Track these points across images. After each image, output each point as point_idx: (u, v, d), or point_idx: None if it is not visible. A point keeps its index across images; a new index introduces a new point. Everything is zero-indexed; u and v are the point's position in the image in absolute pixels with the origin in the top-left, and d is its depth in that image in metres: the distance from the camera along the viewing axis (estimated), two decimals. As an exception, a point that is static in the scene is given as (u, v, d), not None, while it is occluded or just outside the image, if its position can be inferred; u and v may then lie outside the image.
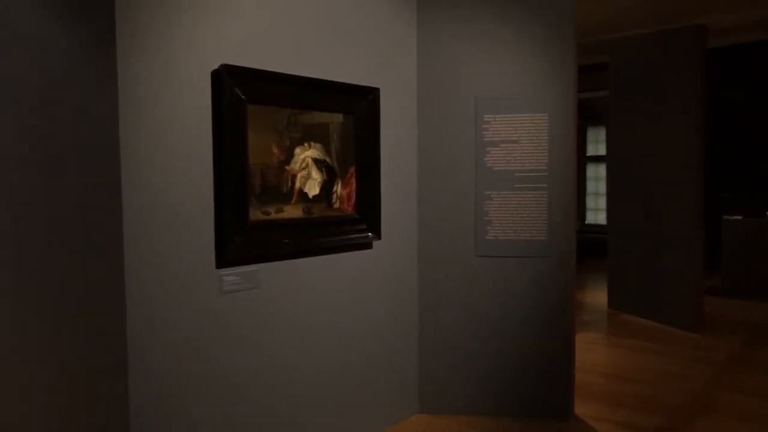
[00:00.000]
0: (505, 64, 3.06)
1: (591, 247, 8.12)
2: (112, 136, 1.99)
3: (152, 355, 2.10)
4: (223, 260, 2.27)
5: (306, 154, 2.53)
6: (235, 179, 2.27)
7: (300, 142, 2.50)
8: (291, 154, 2.48)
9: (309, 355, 2.63)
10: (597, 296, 6.13)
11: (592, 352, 4.32)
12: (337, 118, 2.66)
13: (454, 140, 3.10)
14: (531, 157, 3.04)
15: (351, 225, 2.74)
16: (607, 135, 5.80)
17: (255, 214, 2.35)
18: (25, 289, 1.99)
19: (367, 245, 2.86)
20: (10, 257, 1.97)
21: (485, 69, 3.06)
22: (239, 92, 2.26)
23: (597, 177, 9.27)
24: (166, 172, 2.12)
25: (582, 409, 3.25)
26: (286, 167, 2.46)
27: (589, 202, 9.40)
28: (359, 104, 2.74)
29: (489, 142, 3.07)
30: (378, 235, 2.85)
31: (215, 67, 2.22)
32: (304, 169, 2.53)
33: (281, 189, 2.45)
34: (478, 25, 3.06)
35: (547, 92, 3.03)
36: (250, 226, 2.33)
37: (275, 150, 2.42)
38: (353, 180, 2.74)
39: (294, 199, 2.50)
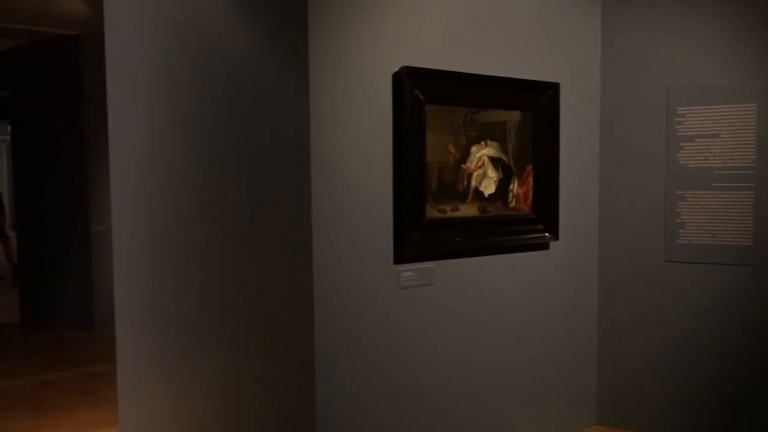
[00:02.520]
0: (702, 49, 2.77)
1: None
2: (305, 142, 2.15)
3: (335, 347, 2.23)
4: (401, 257, 2.34)
5: (482, 152, 2.52)
6: (413, 178, 2.32)
7: (476, 141, 2.50)
8: (467, 152, 2.48)
9: (481, 354, 2.61)
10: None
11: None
12: (515, 115, 2.61)
13: (642, 136, 2.87)
14: (734, 153, 2.72)
15: (527, 225, 2.68)
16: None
17: (431, 212, 2.39)
18: (225, 287, 2.20)
19: (544, 246, 2.77)
20: (214, 257, 2.20)
21: (679, 56, 2.80)
22: (418, 93, 2.31)
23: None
24: (350, 171, 2.24)
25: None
26: (463, 166, 2.47)
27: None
28: (537, 100, 2.66)
29: (683, 137, 2.80)
30: (555, 235, 2.74)
31: (396, 69, 2.29)
32: (480, 167, 2.51)
33: (457, 187, 2.46)
34: (670, 8, 2.80)
35: (755, 80, 2.68)
36: (427, 224, 2.37)
37: (452, 149, 2.44)
38: (530, 178, 2.66)
39: (470, 197, 2.50)
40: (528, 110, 2.64)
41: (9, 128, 8.13)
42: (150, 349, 2.39)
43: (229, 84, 2.27)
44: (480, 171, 2.52)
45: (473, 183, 2.50)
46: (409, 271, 2.37)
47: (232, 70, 2.25)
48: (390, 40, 2.30)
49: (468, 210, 2.50)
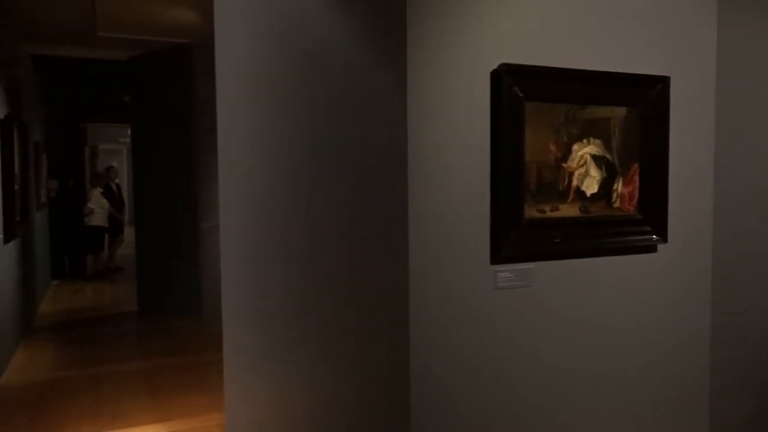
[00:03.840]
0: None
1: None
2: (402, 142, 2.17)
3: (430, 346, 2.24)
4: (498, 257, 2.31)
5: (584, 150, 2.43)
6: (512, 177, 2.28)
7: (578, 139, 2.41)
8: (568, 151, 2.40)
9: (579, 360, 2.52)
10: None
11: None
12: (620, 111, 2.49)
13: (766, 135, 2.66)
14: None
15: (632, 226, 2.55)
16: None
17: (530, 212, 2.34)
18: (324, 286, 2.26)
19: (650, 249, 2.63)
20: (314, 256, 2.27)
21: (809, 45, 2.56)
22: (517, 90, 2.27)
23: None
24: (447, 171, 2.23)
25: None
26: (563, 165, 2.39)
27: None
28: (645, 95, 2.53)
29: (812, 132, 2.56)
30: (664, 237, 2.59)
31: (494, 67, 2.26)
32: (582, 166, 2.43)
33: (557, 187, 2.39)
34: (800, -6, 2.57)
35: None
36: (525, 224, 2.33)
37: (552, 147, 2.37)
38: (636, 177, 2.54)
39: (570, 197, 2.42)
40: (635, 105, 2.51)
41: (129, 131, 8.80)
42: (254, 341, 2.50)
43: (329, 88, 2.34)
44: (582, 170, 2.43)
45: (574, 182, 2.42)
46: (506, 272, 2.33)
47: (333, 75, 2.32)
48: (488, 38, 2.27)
49: (569, 210, 2.42)
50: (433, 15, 2.17)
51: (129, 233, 9.22)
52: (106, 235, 8.99)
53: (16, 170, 5.28)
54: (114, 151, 16.56)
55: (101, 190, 8.77)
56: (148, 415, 3.84)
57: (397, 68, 2.16)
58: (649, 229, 2.58)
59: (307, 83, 2.37)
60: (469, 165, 2.26)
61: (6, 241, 4.89)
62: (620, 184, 2.51)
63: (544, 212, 2.37)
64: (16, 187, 5.24)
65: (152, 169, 6.75)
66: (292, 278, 2.41)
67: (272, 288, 2.44)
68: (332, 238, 2.37)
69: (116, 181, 9.97)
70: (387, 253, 2.26)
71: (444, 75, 2.21)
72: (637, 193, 2.55)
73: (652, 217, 2.58)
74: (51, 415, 3.84)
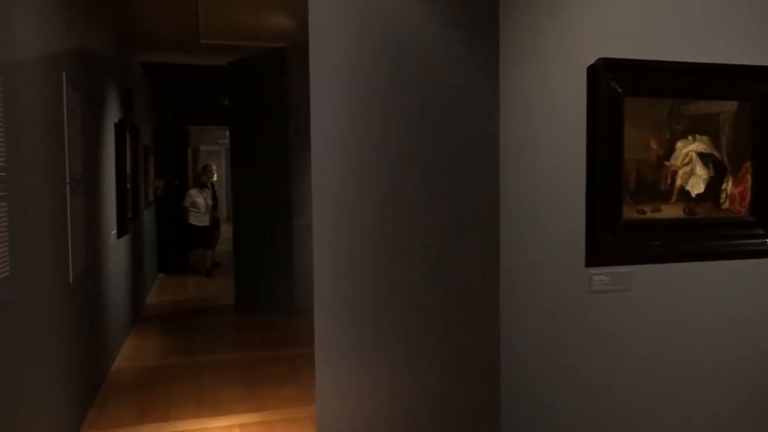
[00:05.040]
0: None
1: None
2: (493, 140, 2.14)
3: (521, 348, 2.19)
4: (593, 259, 2.23)
5: (689, 148, 2.29)
6: (609, 176, 2.19)
7: (683, 135, 2.28)
8: (672, 148, 2.27)
9: (679, 370, 2.38)
10: None
11: None
12: (730, 106, 2.33)
13: None
14: None
15: (743, 229, 2.38)
16: None
17: (629, 213, 2.24)
18: (416, 285, 2.27)
19: (764, 253, 2.44)
20: (405, 254, 2.28)
21: None
22: (616, 86, 2.18)
23: None
24: (540, 168, 2.18)
25: None
26: (666, 163, 2.27)
27: None
28: (759, 88, 2.35)
29: None
30: (779, 241, 2.40)
31: (591, 61, 2.18)
32: (686, 164, 2.29)
33: (659, 186, 2.27)
34: None
35: None
36: (623, 225, 2.23)
37: (653, 144, 2.25)
38: (748, 177, 2.37)
39: (674, 197, 2.29)
40: (747, 99, 2.34)
41: (228, 133, 9.22)
42: (345, 337, 2.55)
43: (421, 87, 2.34)
44: (686, 168, 2.30)
45: (678, 182, 2.29)
46: (602, 275, 2.24)
47: (425, 74, 2.32)
48: (584, 32, 2.19)
49: (671, 211, 2.29)
50: (526, 9, 2.13)
51: (227, 230, 9.65)
52: (204, 234, 9.17)
53: (128, 170, 5.68)
54: (213, 152, 17.45)
55: (199, 190, 9.08)
56: (244, 404, 4.02)
57: (490, 65, 2.13)
58: (762, 232, 2.40)
59: (398, 83, 2.39)
60: (564, 163, 2.19)
61: (119, 236, 5.28)
62: (730, 183, 2.35)
63: (644, 213, 2.26)
64: (128, 186, 5.64)
65: (249, 168, 7.04)
66: (383, 276, 2.45)
67: (364, 285, 2.48)
68: (423, 236, 2.38)
69: (212, 179, 10.45)
70: (478, 252, 2.24)
71: (538, 71, 2.15)
72: (749, 194, 2.37)
73: (766, 219, 2.39)
74: (157, 400, 4.11)
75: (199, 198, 8.92)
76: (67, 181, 3.34)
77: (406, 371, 2.47)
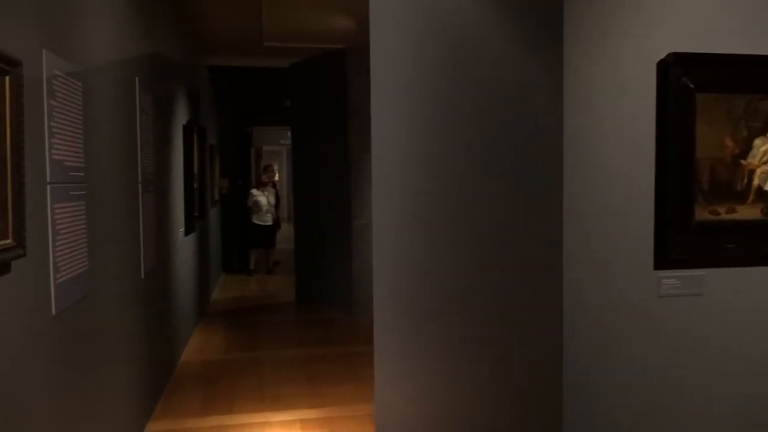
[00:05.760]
0: None
1: None
2: (557, 139, 2.10)
3: (585, 352, 2.14)
4: (662, 262, 2.15)
5: (768, 145, 2.18)
6: (680, 175, 2.11)
7: (761, 132, 2.17)
8: (748, 146, 2.16)
9: (753, 379, 2.26)
10: None
11: None
12: (814, 100, 2.20)
13: None
14: None
15: (828, 231, 2.24)
16: None
17: (701, 213, 2.14)
18: (477, 285, 2.25)
19: None
20: (466, 254, 2.27)
21: None
22: (687, 81, 2.09)
23: None
24: (607, 167, 2.12)
25: None
26: (742, 162, 2.16)
27: None
28: None
29: None
30: None
31: (662, 56, 2.10)
32: (765, 163, 2.18)
33: (734, 186, 2.16)
34: None
35: None
36: (695, 227, 2.14)
37: (729, 142, 2.15)
38: (834, 176, 2.22)
39: (750, 197, 2.18)
40: (833, 94, 2.20)
41: (289, 133, 9.40)
42: (404, 336, 2.56)
43: (483, 87, 2.32)
44: (765, 167, 2.18)
45: (755, 181, 2.18)
46: (672, 278, 2.16)
47: (486, 73, 2.30)
48: (653, 25, 2.12)
49: (748, 212, 2.18)
50: (592, 1, 2.07)
51: (288, 229, 9.83)
52: (265, 233, 9.33)
53: (195, 170, 5.88)
54: (275, 152, 17.83)
55: (261, 190, 9.24)
56: (304, 400, 4.09)
57: (553, 61, 2.09)
58: None
59: (459, 81, 2.38)
60: (632, 162, 2.12)
61: (186, 233, 5.48)
62: (813, 182, 2.21)
63: (718, 214, 2.16)
64: (195, 185, 5.84)
65: (310, 168, 7.16)
66: (442, 276, 2.44)
67: (423, 285, 2.48)
68: (484, 236, 2.36)
69: (274, 179, 10.67)
70: (540, 253, 2.20)
71: (604, 67, 2.09)
72: (834, 194, 2.23)
73: None
74: (221, 393, 4.24)
75: (260, 197, 9.11)
76: (140, 180, 3.50)
77: (465, 373, 2.45)
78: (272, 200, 9.27)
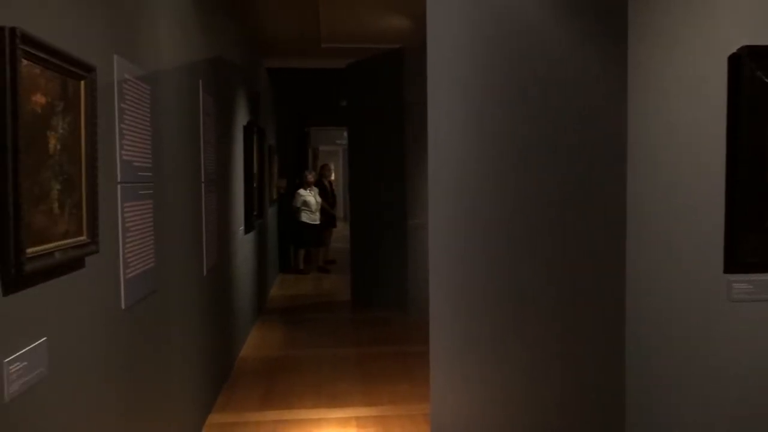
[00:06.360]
0: None
1: None
2: (621, 138, 2.04)
3: (648, 357, 2.07)
4: (733, 265, 2.05)
5: None
6: (752, 174, 2.02)
7: (843, 129, 2.04)
8: (829, 143, 2.04)
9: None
10: None
11: None
12: None
13: None
14: None
15: None
16: None
17: (776, 215, 2.04)
18: (535, 286, 2.22)
19: None
20: (524, 255, 2.23)
21: None
22: (762, 76, 1.99)
23: None
24: (672, 168, 2.05)
25: None
26: (822, 159, 2.04)
27: None
28: None
29: None
30: None
31: (733, 50, 2.01)
32: None
33: (813, 186, 2.05)
34: None
35: None
36: (769, 228, 2.04)
37: (807, 139, 2.04)
38: None
39: (831, 198, 2.05)
40: None
41: (345, 134, 9.49)
42: (460, 336, 2.55)
43: (543, 82, 2.28)
44: None
45: (837, 180, 2.05)
46: (744, 282, 2.06)
47: (547, 68, 2.26)
48: (724, 17, 2.03)
49: (828, 213, 2.06)
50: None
51: (344, 228, 9.91)
52: (316, 232, 9.45)
53: (255, 170, 6.03)
54: (331, 152, 18.05)
55: (309, 190, 9.36)
56: (360, 398, 4.13)
57: (617, 56, 2.03)
58: None
59: (517, 80, 2.34)
60: (700, 161, 2.04)
61: (246, 232, 5.62)
62: None
63: (795, 215, 2.05)
64: (254, 185, 5.98)
65: (366, 168, 7.21)
66: (499, 277, 2.41)
67: (479, 285, 2.46)
68: (543, 236, 2.32)
69: (330, 179, 10.79)
70: (602, 254, 2.14)
71: (671, 63, 2.02)
72: None
73: None
74: (279, 388, 4.32)
75: (309, 197, 9.26)
76: (202, 180, 3.61)
77: (523, 376, 2.41)
78: (319, 199, 9.41)
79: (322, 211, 9.61)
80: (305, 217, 9.21)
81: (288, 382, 4.49)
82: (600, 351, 2.16)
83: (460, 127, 2.43)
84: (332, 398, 4.15)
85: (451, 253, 2.53)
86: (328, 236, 10.14)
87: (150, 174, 2.53)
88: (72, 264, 1.75)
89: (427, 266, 2.79)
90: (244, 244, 5.59)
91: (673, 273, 2.06)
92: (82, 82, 1.76)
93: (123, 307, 2.20)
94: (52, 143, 1.59)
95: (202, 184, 3.61)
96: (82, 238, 1.78)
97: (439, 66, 2.50)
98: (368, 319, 6.60)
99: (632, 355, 2.06)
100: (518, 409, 2.43)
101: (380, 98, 6.89)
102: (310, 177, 9.56)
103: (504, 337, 2.43)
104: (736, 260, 2.04)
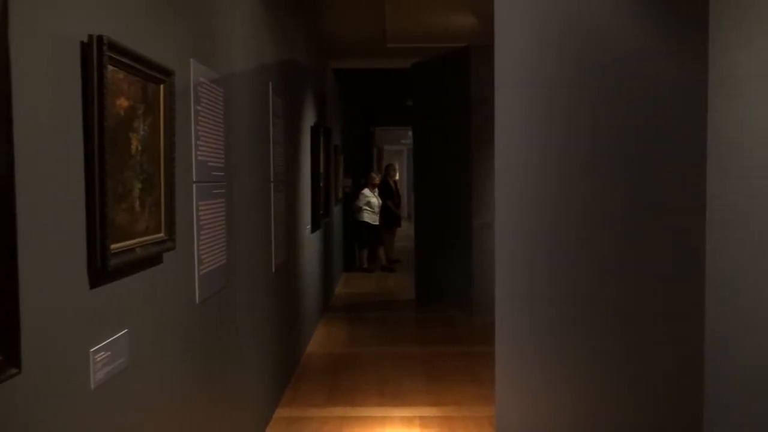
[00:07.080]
0: None
1: None
2: (700, 134, 1.94)
3: (728, 362, 1.97)
4: (825, 270, 1.92)
5: None
6: None
7: None
8: None
9: None
10: None
11: None
12: None
13: None
14: None
15: None
16: None
17: None
18: (603, 290, 2.15)
19: None
20: (593, 257, 2.17)
21: None
22: None
23: None
24: (755, 168, 1.93)
25: None
26: None
27: None
28: None
29: None
30: None
31: (827, 41, 1.88)
32: None
33: None
34: None
35: None
36: None
37: None
38: None
39: None
40: None
41: (410, 133, 9.50)
42: (526, 342, 2.50)
43: (613, 82, 2.21)
44: None
45: None
46: (837, 289, 1.92)
47: (616, 67, 2.18)
48: (819, 8, 1.90)
49: None
50: (743, -11, 1.90)
51: (408, 227, 9.94)
52: (378, 232, 9.55)
53: (321, 170, 6.13)
54: (396, 152, 18.11)
55: (371, 190, 9.46)
56: (424, 397, 4.12)
57: (696, 51, 1.94)
58: None
59: (586, 79, 2.28)
60: (788, 160, 1.92)
61: (312, 230, 5.73)
62: None
63: None
64: (321, 184, 6.08)
65: (430, 168, 7.20)
66: (567, 279, 2.35)
67: (546, 287, 2.41)
68: (613, 239, 2.24)
69: (395, 178, 10.86)
70: (678, 257, 2.05)
71: (758, 55, 1.91)
72: None
73: None
74: (344, 385, 4.38)
75: (372, 198, 9.39)
76: (271, 179, 3.71)
77: (591, 380, 2.34)
78: (380, 200, 9.57)
79: (387, 210, 9.71)
80: (367, 217, 9.35)
81: (352, 379, 4.54)
82: (674, 360, 2.07)
83: (527, 128, 2.39)
84: (396, 397, 4.16)
85: (517, 254, 2.49)
86: (392, 235, 10.21)
87: (223, 174, 2.62)
88: (151, 260, 1.84)
89: (493, 266, 2.76)
90: (310, 242, 5.70)
91: (759, 280, 1.95)
92: (162, 86, 1.84)
93: (197, 301, 2.29)
94: (134, 144, 1.67)
95: (271, 184, 3.71)
96: (160, 235, 1.86)
97: (507, 65, 2.47)
98: (432, 319, 6.59)
99: (712, 366, 1.96)
100: (585, 417, 2.36)
101: (446, 97, 6.86)
102: (377, 179, 9.68)
103: (571, 345, 2.37)
104: (828, 266, 1.91)
